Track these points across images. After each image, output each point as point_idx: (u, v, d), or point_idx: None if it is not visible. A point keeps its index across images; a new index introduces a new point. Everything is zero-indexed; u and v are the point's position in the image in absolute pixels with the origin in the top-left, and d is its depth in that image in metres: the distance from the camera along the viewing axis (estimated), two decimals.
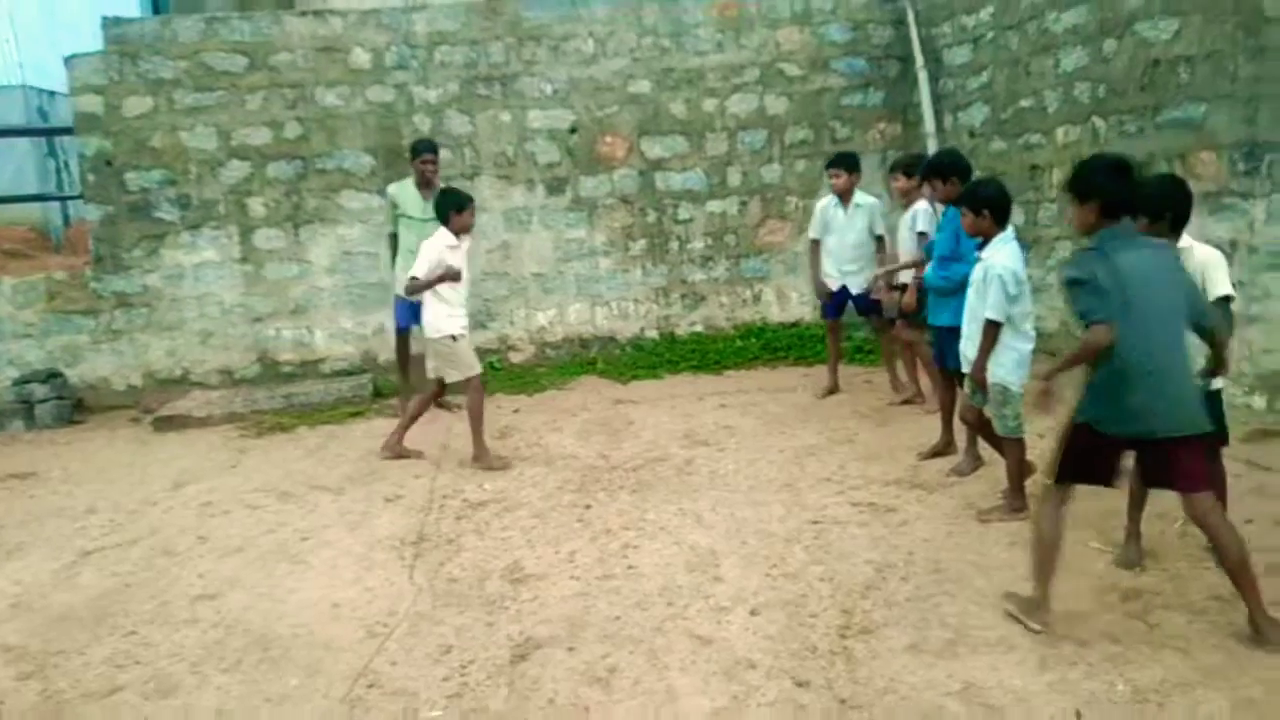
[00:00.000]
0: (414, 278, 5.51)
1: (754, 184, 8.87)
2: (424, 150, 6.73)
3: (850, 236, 6.67)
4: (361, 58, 8.14)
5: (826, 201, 6.75)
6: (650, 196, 8.69)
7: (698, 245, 8.86)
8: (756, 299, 8.94)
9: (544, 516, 4.69)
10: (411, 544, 4.47)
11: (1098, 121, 6.59)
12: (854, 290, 6.68)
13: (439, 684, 3.17)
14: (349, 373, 8.25)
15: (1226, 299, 3.54)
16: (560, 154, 8.53)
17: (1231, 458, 4.69)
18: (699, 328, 8.87)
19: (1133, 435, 3.11)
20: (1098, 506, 4.27)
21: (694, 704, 2.92)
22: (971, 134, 8.17)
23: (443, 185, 6.49)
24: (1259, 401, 5.43)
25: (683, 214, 8.79)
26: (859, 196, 6.68)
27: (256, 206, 8.15)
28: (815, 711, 2.83)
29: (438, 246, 5.57)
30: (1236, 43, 5.35)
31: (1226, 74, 5.44)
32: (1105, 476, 3.26)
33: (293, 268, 8.27)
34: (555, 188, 8.57)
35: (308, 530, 4.77)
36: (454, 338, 5.63)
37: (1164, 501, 4.26)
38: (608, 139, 8.59)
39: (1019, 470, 4.32)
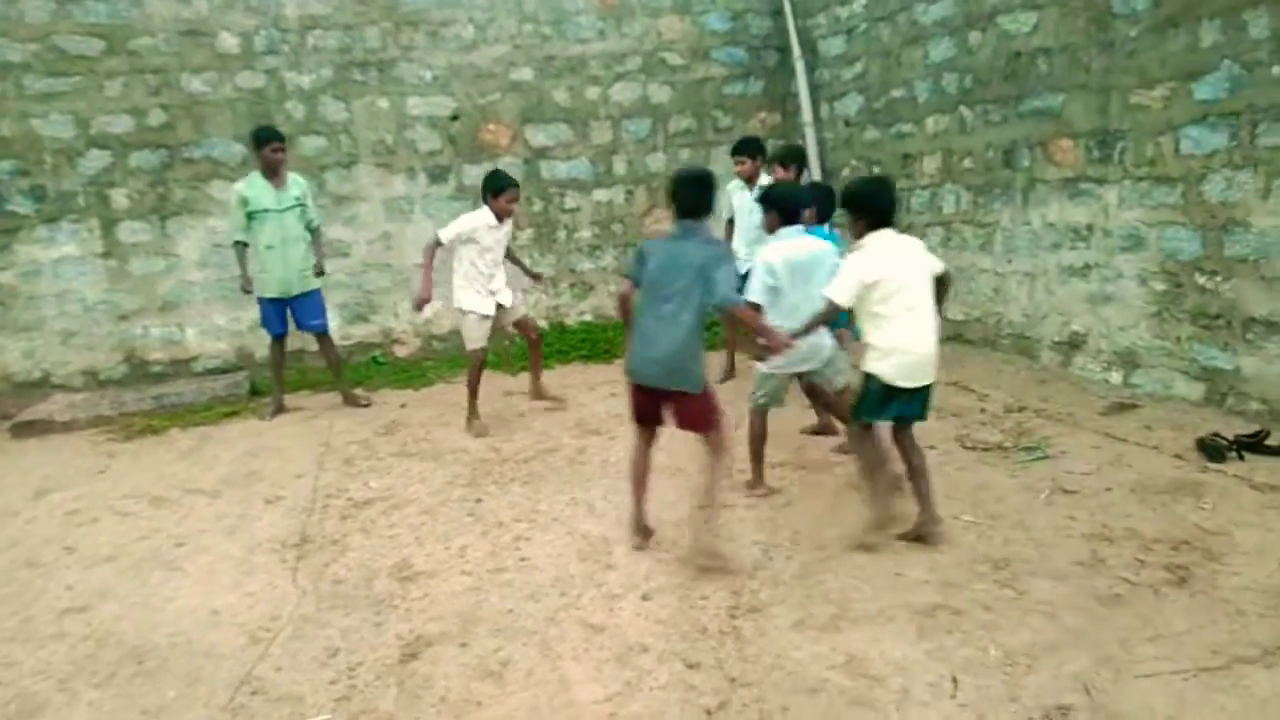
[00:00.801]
0: (438, 240, 5.79)
1: (640, 172, 8.91)
2: (271, 138, 6.41)
3: (757, 219, 6.69)
4: (229, 42, 7.82)
5: (733, 185, 6.71)
6: (536, 185, 8.64)
7: (585, 234, 8.86)
8: None
9: (433, 512, 4.63)
10: (294, 546, 4.34)
11: (965, 111, 6.87)
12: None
13: (326, 687, 3.10)
14: (223, 370, 7.95)
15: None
16: (442, 142, 8.39)
17: (1091, 430, 4.99)
18: (588, 317, 8.88)
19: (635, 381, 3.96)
20: (972, 479, 4.48)
21: (587, 692, 2.93)
22: (847, 123, 8.40)
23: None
24: (1115, 376, 5.77)
25: (569, 203, 8.77)
26: (765, 180, 6.64)
27: (119, 198, 7.75)
28: (706, 691, 2.88)
29: (476, 220, 5.83)
30: (1089, 36, 5.66)
31: (1081, 65, 5.74)
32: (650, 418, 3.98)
33: (160, 262, 7.90)
34: (438, 176, 8.42)
35: (183, 536, 4.58)
36: (463, 311, 5.94)
37: (1036, 473, 4.49)
38: (490, 127, 8.49)
39: (750, 443, 4.63)
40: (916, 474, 3.85)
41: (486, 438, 5.78)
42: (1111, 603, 3.23)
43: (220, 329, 8.06)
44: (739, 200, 6.64)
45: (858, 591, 3.46)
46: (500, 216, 5.84)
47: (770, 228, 4.52)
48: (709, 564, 3.65)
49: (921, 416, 3.88)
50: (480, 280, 5.88)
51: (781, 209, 4.45)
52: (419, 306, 5.94)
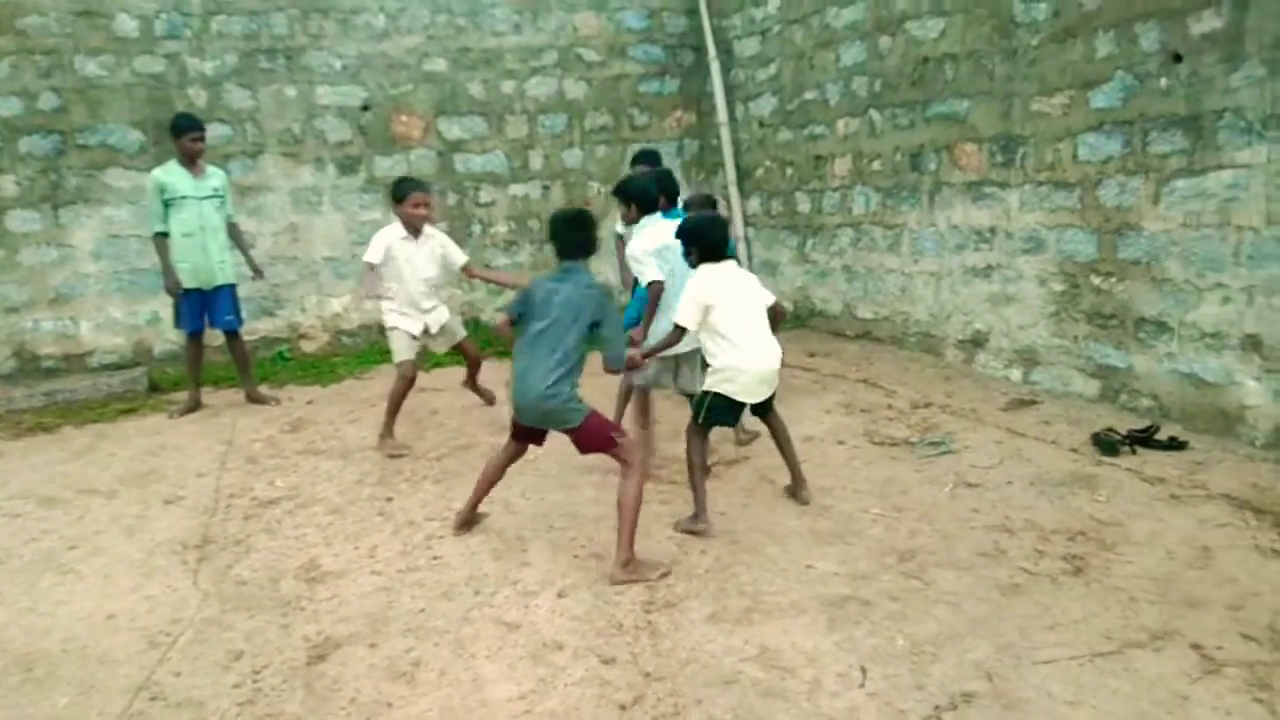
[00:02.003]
0: (369, 264, 5.33)
1: (556, 168, 8.87)
2: (191, 127, 6.18)
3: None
4: (127, 25, 7.50)
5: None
6: (450, 178, 8.52)
7: (501, 229, 8.78)
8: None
9: (342, 512, 4.52)
10: (195, 547, 4.19)
11: (874, 114, 7.03)
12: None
13: (229, 691, 3.00)
14: (120, 366, 7.62)
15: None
16: (352, 132, 8.20)
17: (993, 425, 5.15)
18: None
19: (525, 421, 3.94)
20: (880, 473, 4.59)
21: (501, 690, 2.90)
22: (761, 124, 8.51)
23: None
24: (1016, 374, 5.98)
25: (484, 197, 8.68)
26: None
27: (7, 185, 7.37)
28: (621, 686, 2.88)
29: (387, 236, 5.38)
30: (993, 44, 5.84)
31: (985, 72, 5.93)
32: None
33: (52, 252, 7.54)
34: (348, 167, 8.23)
35: (77, 538, 4.38)
36: (386, 327, 5.56)
37: (941, 467, 4.62)
38: (403, 118, 8.34)
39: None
40: (784, 444, 4.31)
41: (398, 457, 5.30)
42: (1012, 592, 3.34)
43: (117, 323, 7.74)
44: None
45: (770, 584, 3.50)
46: (411, 227, 5.36)
47: (629, 220, 4.86)
48: (627, 578, 3.61)
49: (769, 408, 4.28)
50: (402, 298, 5.42)
51: (639, 200, 4.76)
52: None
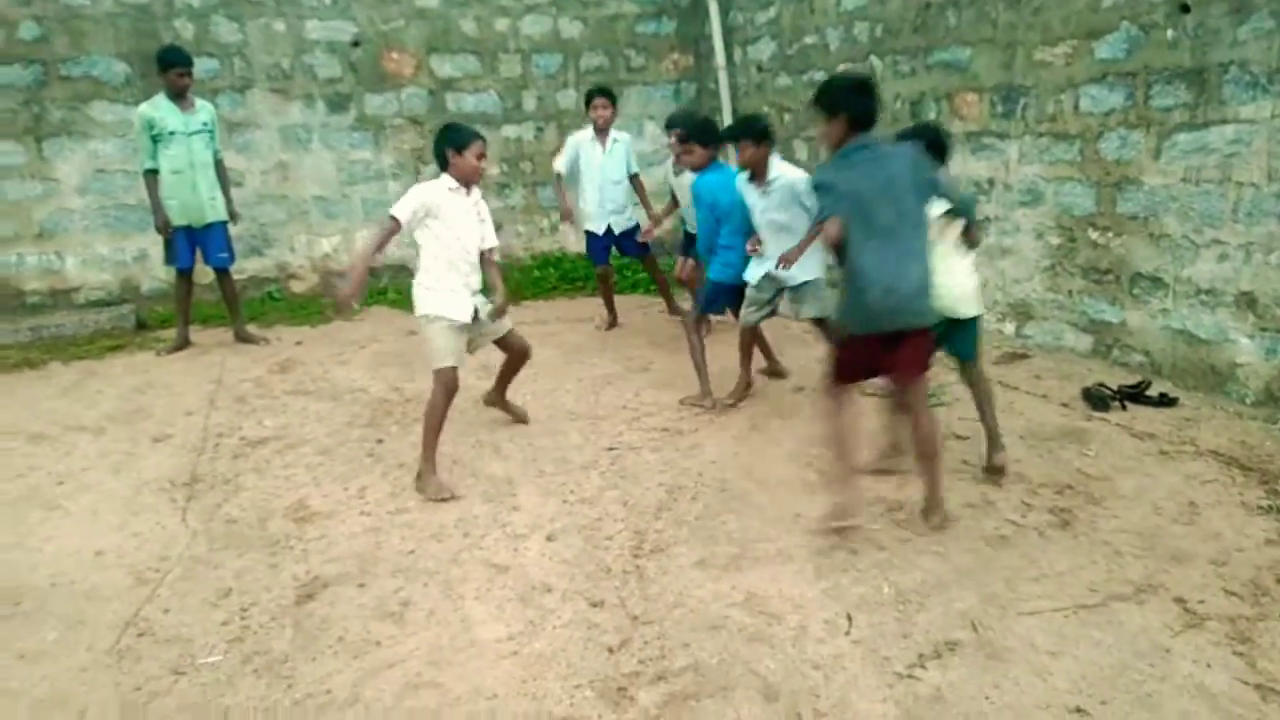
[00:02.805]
0: (393, 217, 3.97)
1: (550, 109, 8.73)
2: (178, 62, 6.05)
3: (612, 174, 6.47)
4: None
5: (582, 136, 6.46)
6: (441, 117, 8.34)
7: (493, 171, 8.64)
8: (554, 228, 8.86)
9: (331, 453, 4.51)
10: (184, 485, 4.19)
11: (875, 60, 6.90)
12: (618, 230, 6.56)
13: (218, 628, 3.01)
14: (107, 303, 7.54)
15: None
16: (342, 68, 8.04)
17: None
18: (495, 257, 8.70)
19: (875, 332, 3.31)
20: (872, 425, 4.58)
21: (489, 631, 2.92)
22: (760, 68, 8.37)
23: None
24: (1009, 327, 5.97)
25: None
26: (616, 132, 6.49)
27: None
28: (608, 629, 2.90)
29: (435, 189, 4.08)
30: None
31: (988, 20, 5.81)
32: (868, 374, 3.56)
33: (36, 186, 7.41)
34: (338, 105, 8.09)
35: (64, 474, 4.37)
36: (426, 318, 4.12)
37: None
38: (394, 55, 8.17)
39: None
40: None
41: (445, 501, 3.95)
42: (998, 543, 3.36)
43: (104, 259, 7.64)
44: (592, 152, 6.40)
45: (759, 532, 3.52)
46: (467, 181, 4.14)
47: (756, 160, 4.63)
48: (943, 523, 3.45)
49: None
50: (449, 275, 4.12)
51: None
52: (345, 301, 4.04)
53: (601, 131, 6.37)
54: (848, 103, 3.28)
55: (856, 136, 3.27)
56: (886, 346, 3.33)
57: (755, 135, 4.59)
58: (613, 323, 6.80)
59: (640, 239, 6.43)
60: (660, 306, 7.17)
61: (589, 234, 6.63)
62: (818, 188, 3.34)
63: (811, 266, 4.72)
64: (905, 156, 3.32)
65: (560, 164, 6.52)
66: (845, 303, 3.32)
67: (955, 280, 3.59)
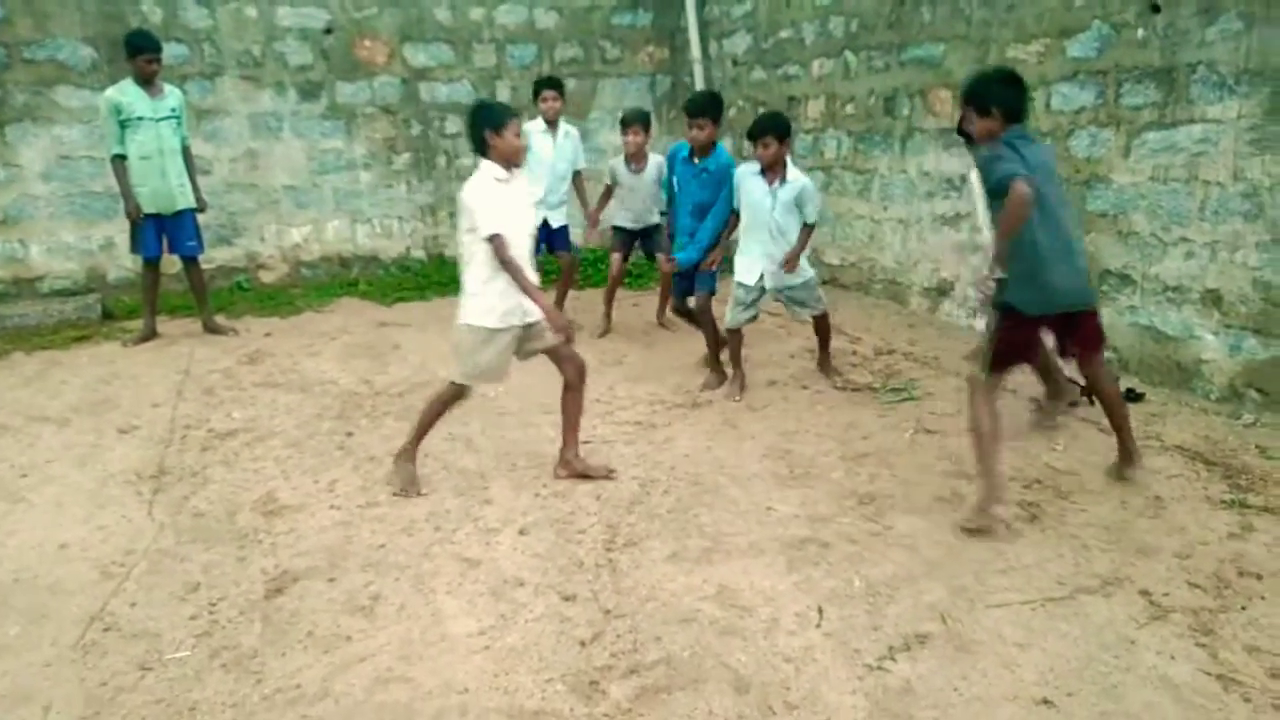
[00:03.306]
0: (496, 235, 3.57)
1: (525, 100, 8.61)
2: (147, 47, 5.93)
3: (560, 167, 6.31)
4: None
5: (533, 126, 6.09)
6: (414, 107, 8.31)
7: (466, 161, 8.57)
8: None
9: (300, 445, 4.47)
10: (150, 478, 4.13)
11: (849, 56, 6.93)
12: (554, 225, 6.34)
13: (185, 623, 2.97)
14: (72, 292, 7.41)
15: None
16: (314, 56, 7.95)
17: (955, 373, 5.19)
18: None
19: (1056, 311, 3.44)
20: (843, 418, 4.61)
21: (460, 625, 2.91)
22: (735, 62, 8.37)
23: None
24: (979, 323, 5.98)
25: (450, 127, 8.47)
26: (566, 124, 6.35)
27: None
28: (581, 623, 2.90)
29: (488, 182, 3.67)
30: None
31: (962, 16, 5.85)
32: (1031, 357, 3.77)
33: None
34: (309, 93, 7.99)
35: (28, 466, 4.30)
36: (469, 327, 3.76)
37: (902, 413, 4.65)
38: (366, 42, 8.08)
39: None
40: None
41: (405, 492, 3.89)
42: (966, 537, 3.39)
43: (69, 247, 7.50)
44: (542, 145, 6.14)
45: (730, 526, 3.52)
46: (509, 164, 3.72)
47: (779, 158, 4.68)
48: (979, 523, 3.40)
49: None
50: (499, 277, 3.65)
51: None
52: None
53: (551, 124, 6.20)
54: (1003, 97, 3.36)
55: (1012, 128, 3.35)
56: (1054, 328, 3.51)
57: (780, 132, 4.64)
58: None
59: (587, 239, 6.31)
60: (634, 300, 7.15)
61: None
62: (997, 158, 3.25)
63: (806, 267, 4.91)
64: (1048, 148, 3.48)
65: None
66: (1020, 286, 3.33)
67: None
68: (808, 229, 4.82)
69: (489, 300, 3.70)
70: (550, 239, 6.37)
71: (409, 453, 3.95)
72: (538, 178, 6.10)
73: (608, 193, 6.38)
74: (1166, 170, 4.70)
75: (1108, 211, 5.04)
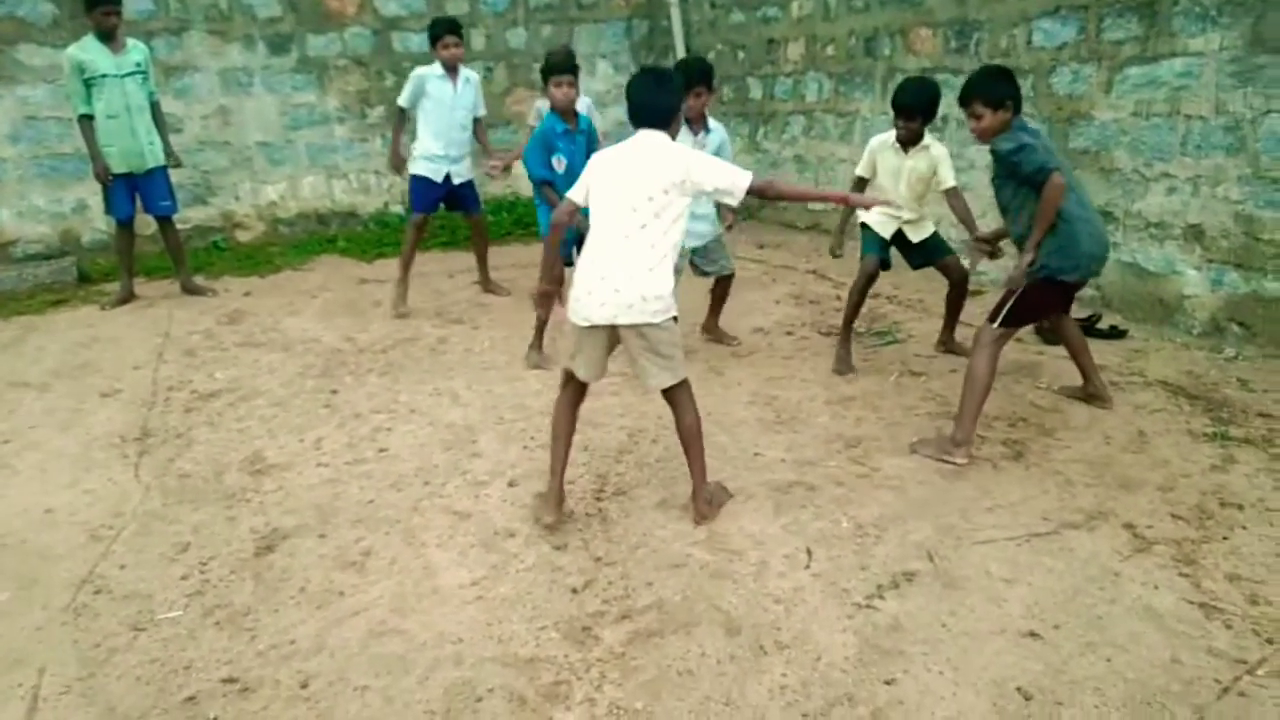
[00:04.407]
0: (570, 201, 3.13)
1: (499, 49, 8.54)
2: (103, 0, 5.68)
3: (459, 115, 5.84)
4: None
5: (429, 71, 5.74)
6: (388, 58, 8.16)
7: None
8: (506, 170, 8.68)
9: (285, 404, 4.44)
10: (135, 440, 4.10)
11: None
12: (456, 181, 5.91)
13: (176, 583, 2.97)
14: (46, 256, 7.30)
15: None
16: (282, 8, 7.77)
17: (939, 315, 5.20)
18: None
19: (1086, 277, 3.60)
20: (828, 363, 4.62)
21: (452, 577, 2.92)
22: (713, 4, 8.24)
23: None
24: (963, 264, 5.99)
25: None
26: (466, 70, 5.88)
27: None
28: (572, 571, 2.92)
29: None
30: None
31: None
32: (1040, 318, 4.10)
33: None
34: (279, 46, 7.83)
35: (9, 432, 4.26)
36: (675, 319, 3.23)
37: (887, 356, 4.66)
38: None
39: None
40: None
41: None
42: (953, 476, 3.42)
43: (40, 210, 7.38)
44: (441, 90, 5.73)
45: (718, 471, 3.53)
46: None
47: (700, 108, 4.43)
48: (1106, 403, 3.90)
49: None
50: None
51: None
52: None
53: (451, 69, 5.72)
54: (1012, 90, 3.52)
55: (1017, 117, 3.52)
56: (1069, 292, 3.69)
57: (709, 82, 4.47)
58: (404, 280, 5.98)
59: (490, 169, 5.75)
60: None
61: (423, 179, 5.83)
62: (1027, 149, 3.38)
63: (710, 226, 4.74)
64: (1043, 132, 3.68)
65: (404, 99, 5.80)
66: (1058, 253, 3.44)
67: None
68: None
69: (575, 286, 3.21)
70: (455, 197, 5.99)
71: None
72: (432, 126, 5.76)
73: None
74: (1148, 105, 4.68)
75: (1089, 149, 5.02)
